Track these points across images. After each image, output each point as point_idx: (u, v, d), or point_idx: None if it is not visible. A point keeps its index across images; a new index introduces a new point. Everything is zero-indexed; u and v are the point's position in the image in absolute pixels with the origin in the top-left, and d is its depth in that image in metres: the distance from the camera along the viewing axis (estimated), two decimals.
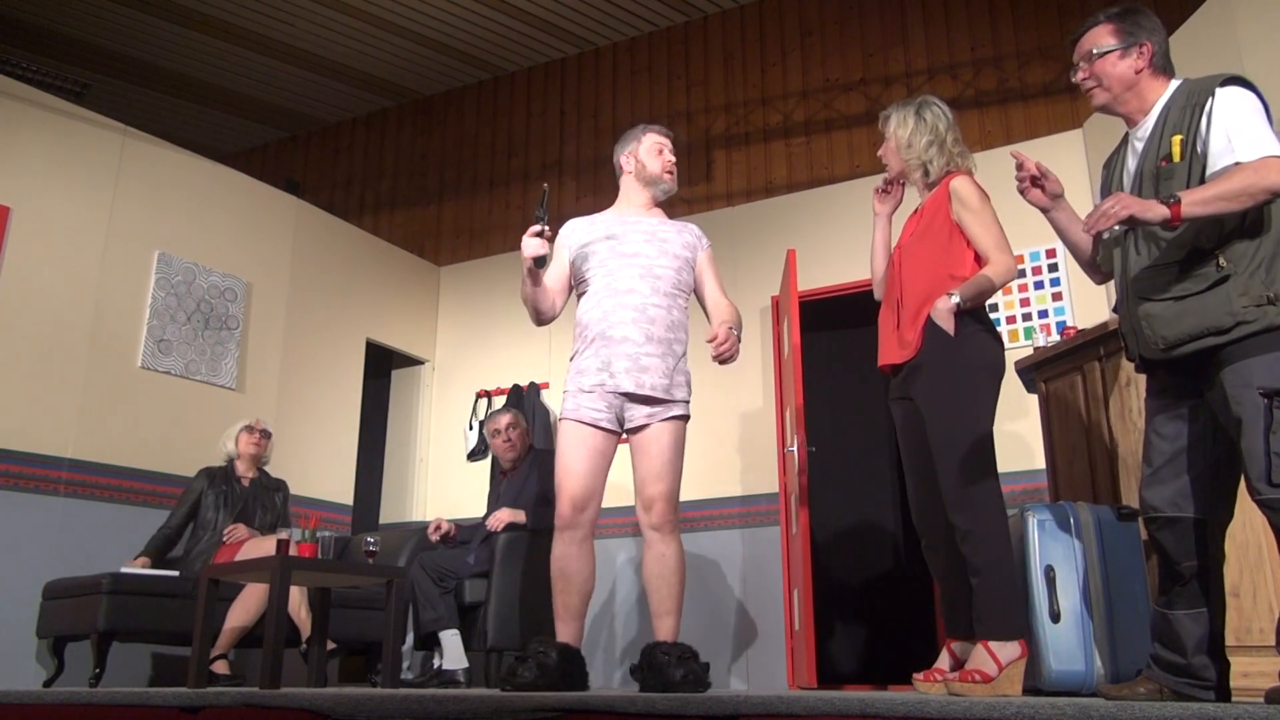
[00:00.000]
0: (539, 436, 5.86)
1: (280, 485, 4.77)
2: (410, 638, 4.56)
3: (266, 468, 4.78)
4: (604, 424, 2.93)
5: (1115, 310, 2.34)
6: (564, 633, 2.90)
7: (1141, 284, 2.15)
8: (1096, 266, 2.42)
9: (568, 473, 2.93)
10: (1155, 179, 2.14)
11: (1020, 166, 2.33)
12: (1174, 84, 2.24)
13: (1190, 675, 2.07)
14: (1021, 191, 2.35)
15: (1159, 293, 2.10)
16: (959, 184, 2.80)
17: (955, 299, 2.67)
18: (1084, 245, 2.40)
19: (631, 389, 2.90)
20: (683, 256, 3.10)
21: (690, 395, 3.03)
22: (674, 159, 3.22)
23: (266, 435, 4.74)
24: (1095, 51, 2.27)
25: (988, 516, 2.57)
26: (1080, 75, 2.30)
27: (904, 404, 2.83)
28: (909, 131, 2.91)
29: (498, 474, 4.93)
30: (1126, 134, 2.35)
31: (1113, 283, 2.37)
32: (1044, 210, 2.37)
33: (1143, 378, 2.93)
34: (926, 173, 2.90)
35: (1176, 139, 2.10)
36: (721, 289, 3.16)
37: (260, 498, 4.62)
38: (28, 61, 6.68)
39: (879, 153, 3.04)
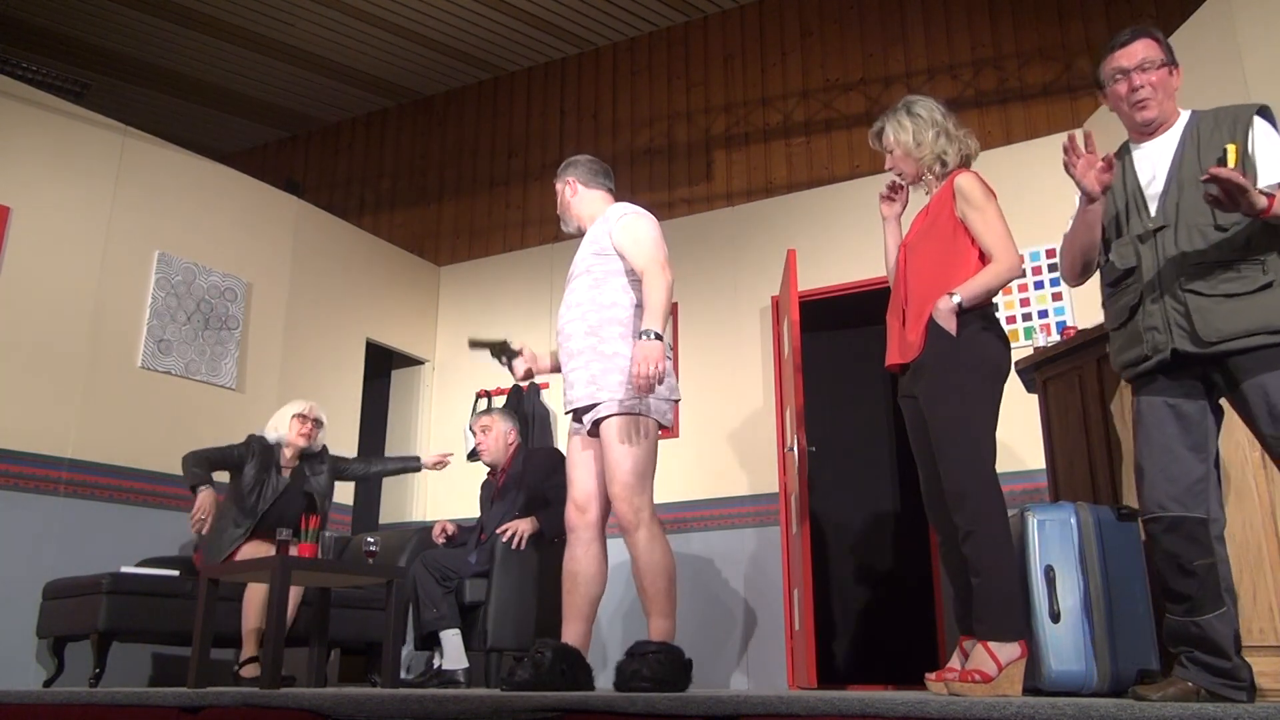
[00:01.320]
0: (540, 436, 5.86)
1: (322, 458, 4.60)
2: (410, 638, 4.55)
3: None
4: (588, 433, 3.03)
5: (1134, 305, 2.28)
6: (569, 633, 2.89)
7: (1188, 278, 2.17)
8: (1085, 269, 2.44)
9: (569, 480, 3.05)
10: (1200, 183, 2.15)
11: (1088, 146, 2.29)
12: (1185, 111, 2.33)
13: (1230, 677, 2.09)
14: (1076, 178, 2.31)
15: (1209, 288, 2.14)
16: (963, 180, 2.78)
17: (956, 299, 2.66)
18: (1096, 244, 2.39)
19: (570, 408, 3.02)
20: (591, 254, 3.09)
21: (629, 386, 2.87)
22: (559, 201, 3.35)
23: (319, 424, 4.56)
24: (1156, 62, 2.31)
25: (988, 517, 2.56)
26: (1137, 81, 2.31)
27: (911, 402, 2.82)
28: (910, 133, 2.89)
29: (487, 475, 4.92)
30: (1126, 145, 2.38)
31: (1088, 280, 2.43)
32: (1092, 199, 2.32)
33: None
34: (944, 164, 2.88)
35: (1233, 147, 2.13)
36: (644, 253, 2.98)
37: (296, 487, 4.46)
38: (28, 61, 6.67)
39: (888, 166, 2.98)
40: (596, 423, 2.93)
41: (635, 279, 3.04)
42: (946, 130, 2.87)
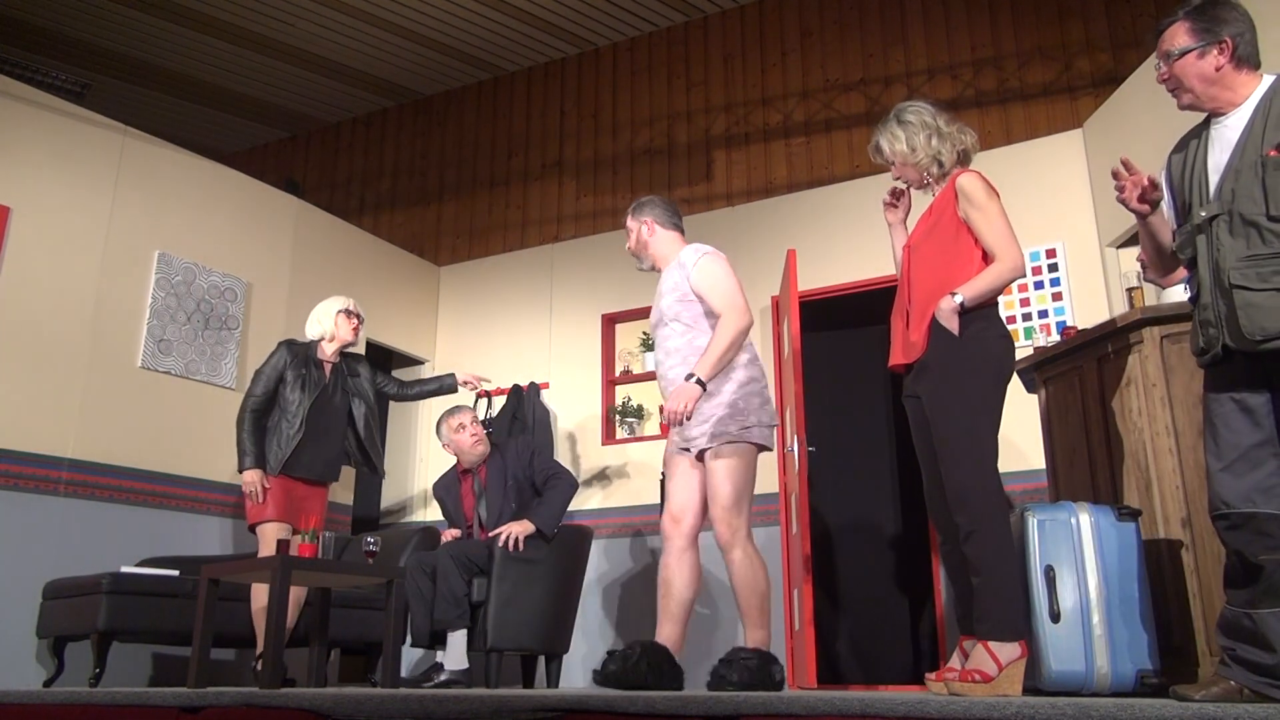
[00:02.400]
0: (539, 436, 5.86)
1: (360, 359, 4.58)
2: (410, 638, 4.50)
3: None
4: (695, 456, 3.22)
5: (1192, 299, 2.27)
6: (662, 634, 3.09)
7: (1240, 272, 2.11)
8: (1164, 268, 2.43)
9: (667, 492, 3.26)
10: (1260, 168, 2.11)
11: (1129, 171, 2.31)
12: (1268, 78, 2.22)
13: (1273, 675, 2.05)
14: (1123, 200, 2.34)
15: (1260, 282, 2.07)
16: (965, 180, 2.79)
17: (958, 298, 2.67)
18: (1168, 248, 2.38)
19: (684, 445, 3.21)
20: (673, 302, 3.28)
21: (726, 420, 3.10)
22: (630, 240, 3.50)
23: (362, 320, 4.51)
24: (1173, 53, 2.26)
25: (990, 517, 2.57)
26: (1161, 76, 2.30)
27: (914, 402, 2.83)
28: (904, 141, 2.92)
29: (457, 476, 4.80)
30: (1207, 119, 2.30)
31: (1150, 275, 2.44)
32: (1143, 217, 2.36)
33: (1140, 377, 2.95)
34: (941, 165, 2.89)
35: None
36: (724, 298, 3.22)
37: (340, 383, 4.41)
38: (28, 61, 6.68)
39: (893, 175, 3.02)
40: (701, 450, 3.14)
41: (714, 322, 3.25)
42: (938, 130, 2.89)
